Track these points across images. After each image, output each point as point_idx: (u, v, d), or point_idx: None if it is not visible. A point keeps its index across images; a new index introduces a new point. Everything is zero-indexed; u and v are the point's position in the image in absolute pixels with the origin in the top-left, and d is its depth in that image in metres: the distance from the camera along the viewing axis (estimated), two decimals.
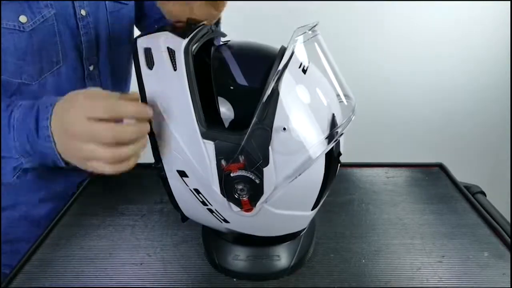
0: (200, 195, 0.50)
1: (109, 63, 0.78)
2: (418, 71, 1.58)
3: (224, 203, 0.50)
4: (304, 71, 0.49)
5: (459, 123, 1.66)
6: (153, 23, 0.88)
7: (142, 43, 0.50)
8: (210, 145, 0.47)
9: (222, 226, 0.53)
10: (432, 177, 0.80)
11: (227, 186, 0.48)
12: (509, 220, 0.67)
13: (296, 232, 0.56)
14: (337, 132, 0.49)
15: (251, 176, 0.47)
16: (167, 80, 0.48)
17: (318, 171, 0.50)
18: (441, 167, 0.84)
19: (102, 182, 0.80)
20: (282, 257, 0.55)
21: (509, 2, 1.47)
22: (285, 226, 0.55)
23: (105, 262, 0.58)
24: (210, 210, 0.52)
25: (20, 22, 0.62)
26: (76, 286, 0.54)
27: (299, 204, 0.52)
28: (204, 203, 0.51)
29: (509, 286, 0.54)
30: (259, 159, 0.46)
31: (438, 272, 0.56)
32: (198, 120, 0.46)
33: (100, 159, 0.47)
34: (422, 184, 0.78)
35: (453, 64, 1.58)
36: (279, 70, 0.46)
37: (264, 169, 0.47)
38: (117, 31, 0.78)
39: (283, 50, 0.50)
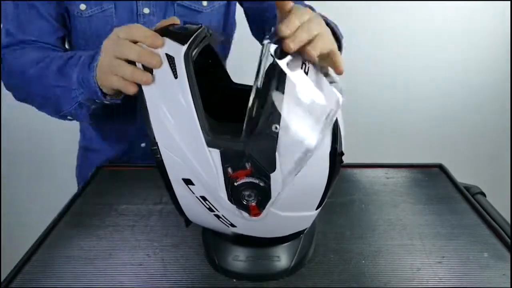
0: (206, 202, 0.50)
1: None
2: (417, 71, 1.58)
3: (231, 209, 0.50)
4: (306, 72, 0.49)
5: (459, 123, 1.66)
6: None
7: None
8: (215, 153, 0.47)
9: (229, 230, 0.53)
10: (432, 178, 0.80)
11: (235, 193, 0.48)
12: (509, 221, 0.67)
13: (298, 232, 0.56)
14: (331, 119, 0.49)
15: (258, 182, 0.47)
16: (168, 88, 0.48)
17: (322, 172, 0.50)
18: (441, 167, 0.84)
19: (102, 183, 0.80)
20: (282, 258, 0.55)
21: (509, 2, 1.47)
22: (291, 226, 0.55)
23: (105, 262, 0.58)
24: (217, 216, 0.52)
25: (80, 9, 0.78)
26: (76, 286, 0.54)
27: (305, 205, 0.52)
28: (210, 209, 0.51)
29: (509, 287, 0.54)
30: (266, 165, 0.46)
31: (438, 272, 0.56)
32: (203, 128, 0.46)
33: (121, 73, 0.52)
34: (422, 185, 0.78)
35: (453, 64, 1.58)
36: (281, 76, 0.46)
37: (271, 174, 0.47)
38: None
39: (279, 52, 0.50)
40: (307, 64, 0.50)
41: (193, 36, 0.49)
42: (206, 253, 0.59)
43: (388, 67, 1.57)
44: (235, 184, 0.48)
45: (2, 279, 0.55)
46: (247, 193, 0.48)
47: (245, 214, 0.50)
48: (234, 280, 0.55)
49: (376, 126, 1.63)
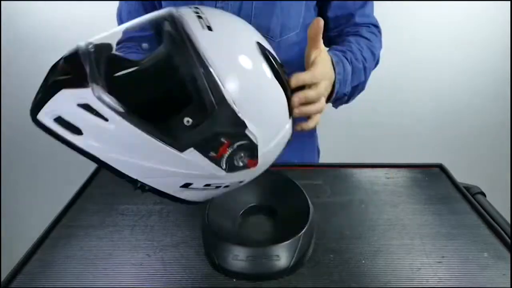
0: (211, 185, 0.53)
1: None
2: (417, 71, 1.58)
3: (234, 175, 0.52)
4: (210, 28, 0.49)
5: (459, 123, 1.66)
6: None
7: (47, 117, 0.46)
8: (191, 152, 0.48)
9: (238, 185, 0.57)
10: (432, 178, 0.80)
11: (229, 165, 0.51)
12: (509, 220, 0.67)
13: (296, 229, 0.57)
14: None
15: (241, 143, 0.50)
16: (108, 134, 0.46)
17: (278, 91, 0.53)
18: (441, 167, 0.84)
19: (103, 183, 0.80)
20: (282, 257, 0.55)
21: (509, 2, 1.47)
22: (282, 148, 0.58)
23: (105, 262, 0.58)
24: (226, 186, 0.55)
25: None
26: (76, 286, 0.54)
27: (280, 123, 0.55)
28: (218, 187, 0.54)
29: (509, 287, 0.54)
30: (237, 129, 0.49)
31: (438, 272, 0.56)
32: (169, 144, 0.47)
33: None
34: (422, 185, 0.78)
35: (453, 64, 1.58)
36: (192, 52, 0.46)
37: (247, 129, 0.50)
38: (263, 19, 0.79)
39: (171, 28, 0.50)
40: (203, 19, 0.50)
41: (88, 70, 0.46)
42: (206, 253, 0.59)
43: (387, 68, 1.57)
44: (224, 159, 0.50)
45: (2, 279, 0.56)
46: (237, 156, 0.52)
47: (246, 170, 0.53)
48: (234, 280, 0.55)
49: (376, 126, 1.62)
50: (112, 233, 0.64)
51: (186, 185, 0.51)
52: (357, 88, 0.82)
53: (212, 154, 0.49)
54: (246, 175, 0.55)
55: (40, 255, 0.60)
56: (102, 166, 0.49)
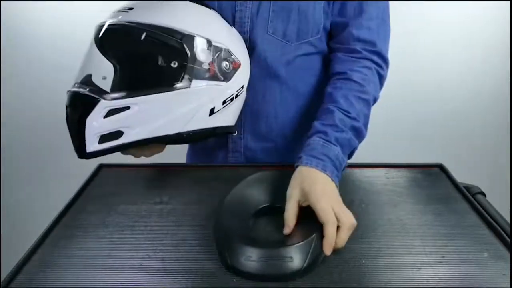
0: (226, 101, 0.69)
1: (258, 50, 0.80)
2: (418, 71, 1.58)
3: (232, 82, 0.70)
4: (131, 8, 0.65)
5: (459, 123, 1.66)
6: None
7: (93, 144, 0.60)
8: (195, 82, 0.64)
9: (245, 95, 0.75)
10: (432, 178, 0.80)
11: (223, 75, 0.68)
12: (509, 220, 0.67)
13: (310, 231, 0.58)
14: None
15: (217, 55, 0.66)
16: (139, 115, 0.61)
17: (201, 8, 0.71)
18: (441, 167, 0.84)
19: (102, 183, 0.80)
20: (295, 258, 0.54)
21: (509, 2, 1.47)
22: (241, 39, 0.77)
23: (105, 262, 0.58)
24: (237, 96, 0.72)
25: None
26: (76, 286, 0.54)
27: (227, 27, 0.74)
28: (231, 100, 0.71)
29: (509, 287, 0.54)
30: (207, 46, 0.65)
31: (438, 272, 0.56)
32: (178, 88, 0.62)
33: None
34: (422, 185, 0.78)
35: (453, 64, 1.58)
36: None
37: (213, 42, 0.66)
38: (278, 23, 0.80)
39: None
40: (120, 10, 0.66)
41: (90, 93, 0.61)
42: (218, 253, 0.58)
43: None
44: (217, 72, 0.67)
45: (2, 279, 0.55)
46: (223, 65, 0.68)
47: (238, 72, 0.70)
48: (234, 280, 0.55)
49: (376, 126, 1.62)
50: (112, 233, 0.64)
51: (212, 112, 0.66)
52: (355, 148, 0.76)
53: (207, 75, 0.65)
54: (241, 78, 0.71)
55: (40, 255, 0.60)
56: (151, 142, 0.63)
